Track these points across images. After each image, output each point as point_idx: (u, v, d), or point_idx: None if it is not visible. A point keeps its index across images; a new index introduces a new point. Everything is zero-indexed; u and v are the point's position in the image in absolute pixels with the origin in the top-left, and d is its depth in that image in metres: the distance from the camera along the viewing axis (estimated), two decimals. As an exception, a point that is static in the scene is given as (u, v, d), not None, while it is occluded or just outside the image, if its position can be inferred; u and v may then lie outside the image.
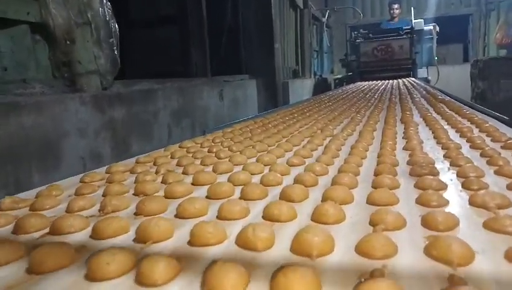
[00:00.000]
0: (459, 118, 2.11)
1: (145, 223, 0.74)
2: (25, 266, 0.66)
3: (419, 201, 0.87)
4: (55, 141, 1.90)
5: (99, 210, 0.94)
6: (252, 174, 1.17)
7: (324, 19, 10.19)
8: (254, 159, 1.37)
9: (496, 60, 6.09)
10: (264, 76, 5.33)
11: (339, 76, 10.20)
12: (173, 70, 4.62)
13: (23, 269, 0.66)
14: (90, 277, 0.61)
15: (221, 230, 0.73)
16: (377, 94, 4.01)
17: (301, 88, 7.29)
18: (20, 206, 1.00)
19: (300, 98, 6.05)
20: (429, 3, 11.02)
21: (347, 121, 2.25)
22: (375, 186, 0.99)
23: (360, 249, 0.65)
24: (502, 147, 1.38)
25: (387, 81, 6.94)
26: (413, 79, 7.25)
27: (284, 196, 0.93)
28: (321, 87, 8.84)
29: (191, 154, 1.53)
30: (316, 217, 0.80)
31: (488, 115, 2.27)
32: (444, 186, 0.96)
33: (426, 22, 9.08)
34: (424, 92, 3.83)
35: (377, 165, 1.19)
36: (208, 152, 1.56)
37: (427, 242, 0.66)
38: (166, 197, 1.01)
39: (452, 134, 1.69)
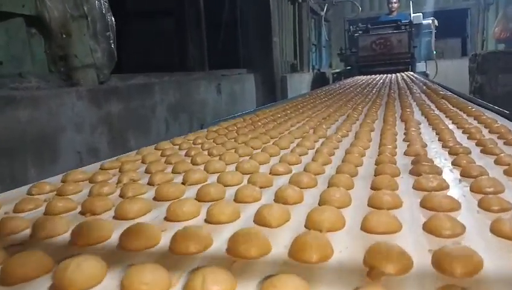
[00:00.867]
0: (465, 116, 1.91)
1: (66, 264, 0.55)
2: None
3: (428, 228, 0.67)
4: (52, 136, 1.88)
5: (31, 236, 0.75)
6: (226, 185, 0.98)
7: (322, 13, 10.11)
8: (234, 166, 1.17)
9: (495, 54, 6.07)
10: (262, 70, 5.30)
11: (337, 70, 10.15)
12: (170, 63, 4.59)
13: None
14: None
15: (164, 277, 0.54)
16: (375, 89, 3.84)
17: (299, 82, 7.26)
18: None
19: (299, 93, 6.02)
20: (428, -3, 10.99)
21: (342, 119, 2.06)
22: (372, 205, 0.80)
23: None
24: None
25: (385, 75, 6.92)
26: (411, 73, 7.20)
27: (259, 219, 0.74)
28: (319, 81, 8.78)
29: (164, 159, 1.34)
30: (296, 252, 0.60)
31: (492, 110, 2.13)
32: (456, 206, 0.78)
33: (425, 16, 9.04)
34: (424, 86, 3.65)
35: (375, 175, 1.01)
36: (185, 155, 1.39)
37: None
38: (116, 217, 0.82)
39: (459, 135, 1.49)
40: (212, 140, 1.64)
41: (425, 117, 1.95)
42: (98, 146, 2.18)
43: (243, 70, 5.15)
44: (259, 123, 2.04)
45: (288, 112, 2.46)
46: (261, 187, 0.95)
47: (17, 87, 1.80)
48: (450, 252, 0.55)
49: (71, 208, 0.89)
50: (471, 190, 0.87)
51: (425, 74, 7.81)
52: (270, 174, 1.09)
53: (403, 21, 8.30)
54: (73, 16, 2.10)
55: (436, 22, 8.96)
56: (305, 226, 0.72)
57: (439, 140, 1.42)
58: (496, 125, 1.57)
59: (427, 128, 1.72)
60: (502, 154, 1.11)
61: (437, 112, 2.11)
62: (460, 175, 0.99)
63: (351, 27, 8.84)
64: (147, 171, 1.20)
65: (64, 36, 2.07)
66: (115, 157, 1.41)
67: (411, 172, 1.03)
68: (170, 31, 4.79)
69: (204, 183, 1.00)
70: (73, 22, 2.10)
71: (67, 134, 1.95)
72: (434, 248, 0.59)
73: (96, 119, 2.16)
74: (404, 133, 1.55)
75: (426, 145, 1.34)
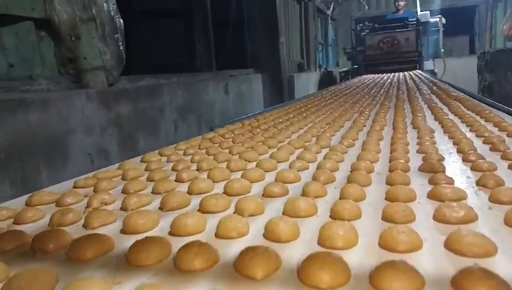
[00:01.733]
0: (483, 122, 1.71)
1: None
2: None
3: (457, 286, 0.50)
4: (62, 138, 1.88)
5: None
6: (208, 212, 0.82)
7: (329, 12, 10.02)
8: (223, 185, 1.00)
9: (504, 52, 5.97)
10: (269, 70, 5.27)
11: (345, 69, 10.08)
12: (178, 64, 4.60)
13: None
14: None
15: None
16: (382, 89, 3.67)
17: (307, 82, 7.21)
18: None
19: (306, 92, 5.99)
20: (435, -5, 10.90)
21: (348, 125, 1.89)
22: (385, 246, 0.63)
23: None
24: None
25: (393, 74, 6.87)
26: (419, 72, 7.12)
27: (242, 269, 0.57)
28: (326, 80, 8.71)
29: (146, 175, 1.18)
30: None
31: (489, 104, 2.02)
32: (491, 250, 0.60)
33: (432, 14, 8.95)
34: (434, 87, 3.45)
35: (386, 198, 0.85)
36: (172, 170, 1.23)
37: None
38: (70, 258, 0.65)
39: (479, 145, 1.31)
40: (205, 150, 1.48)
41: (439, 123, 1.76)
42: (108, 147, 2.18)
43: (250, 70, 5.13)
44: (259, 129, 1.88)
45: (291, 115, 2.29)
46: (250, 215, 0.79)
47: (27, 90, 1.81)
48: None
49: (21, 243, 0.72)
50: (506, 222, 0.69)
51: (433, 72, 7.71)
52: (263, 196, 0.92)
53: (410, 19, 8.25)
54: (82, 19, 2.10)
55: (443, 19, 8.87)
56: (300, 279, 0.56)
57: (458, 152, 1.24)
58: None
59: (442, 136, 1.52)
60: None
61: (451, 116, 1.92)
62: (490, 200, 0.81)
63: (358, 26, 8.79)
64: (124, 191, 1.04)
65: (73, 39, 2.07)
66: (92, 173, 1.24)
67: (430, 196, 0.86)
68: (178, 32, 4.79)
69: (183, 212, 0.82)
70: (82, 24, 2.10)
71: (77, 136, 1.95)
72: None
73: (105, 121, 2.16)
74: (418, 143, 1.37)
75: (443, 158, 1.16)
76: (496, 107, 2.12)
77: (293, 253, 0.63)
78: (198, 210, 0.86)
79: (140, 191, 1.04)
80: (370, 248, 0.65)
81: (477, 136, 1.47)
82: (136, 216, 0.77)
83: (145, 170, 1.27)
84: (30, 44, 1.92)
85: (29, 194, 1.02)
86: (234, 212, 0.82)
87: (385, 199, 0.86)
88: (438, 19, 8.70)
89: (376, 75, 7.01)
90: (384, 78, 5.73)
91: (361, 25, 8.57)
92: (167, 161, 1.40)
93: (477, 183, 0.92)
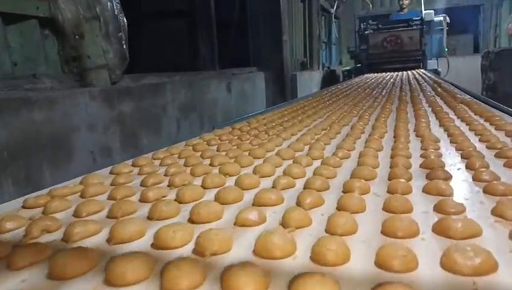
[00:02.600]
0: (493, 130, 1.56)
1: None
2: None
3: None
4: (66, 136, 1.90)
5: None
6: (164, 248, 0.67)
7: (333, 10, 9.99)
8: (190, 209, 0.82)
9: (508, 51, 5.96)
10: (272, 68, 5.28)
11: (348, 68, 10.05)
12: (181, 62, 4.61)
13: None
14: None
15: None
16: (384, 90, 3.58)
17: (309, 80, 7.21)
18: None
19: (309, 91, 5.99)
20: (439, -6, 10.86)
21: (346, 131, 1.72)
22: None
23: None
24: None
25: (396, 73, 6.85)
26: (423, 71, 7.10)
27: None
28: (329, 79, 8.69)
29: (110, 189, 1.02)
30: None
31: (498, 108, 1.96)
32: None
33: (436, 13, 8.92)
34: (438, 88, 3.34)
35: (383, 232, 0.69)
36: (141, 185, 1.07)
37: None
38: None
39: (491, 159, 1.14)
40: (184, 160, 1.34)
41: (444, 130, 1.61)
42: (111, 146, 2.19)
43: (253, 68, 5.14)
44: (248, 136, 1.73)
45: (286, 119, 2.15)
46: (212, 255, 0.63)
47: (31, 88, 1.83)
48: None
49: None
50: None
51: (436, 72, 7.70)
52: (235, 225, 0.76)
53: (414, 18, 8.22)
54: (86, 18, 2.11)
55: (447, 18, 8.84)
56: None
57: (467, 168, 1.07)
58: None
59: (448, 147, 1.35)
60: None
61: (457, 122, 1.80)
62: (510, 237, 0.65)
63: (362, 25, 8.78)
64: (76, 213, 0.88)
65: (77, 37, 2.09)
66: (48, 189, 1.08)
67: (436, 230, 0.69)
68: (181, 31, 4.81)
69: (134, 249, 0.67)
70: (86, 23, 2.11)
71: (80, 134, 1.97)
72: None
73: (109, 119, 2.18)
74: (421, 156, 1.22)
75: (451, 176, 0.99)
76: (503, 110, 2.00)
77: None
78: (153, 245, 0.69)
79: (95, 213, 0.87)
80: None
81: (487, 147, 1.30)
82: (67, 258, 0.60)
83: (110, 184, 1.10)
84: (34, 43, 1.93)
85: None
86: (193, 251, 0.65)
87: (381, 232, 0.69)
88: (442, 18, 8.66)
89: (379, 74, 7.00)
90: (387, 78, 5.69)
91: (364, 23, 8.54)
92: (139, 174, 1.21)
93: (493, 212, 0.75)
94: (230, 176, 1.11)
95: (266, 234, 0.64)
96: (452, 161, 1.16)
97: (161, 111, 2.77)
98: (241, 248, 0.66)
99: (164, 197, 0.96)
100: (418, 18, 8.11)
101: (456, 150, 1.29)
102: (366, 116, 2.04)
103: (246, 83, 4.63)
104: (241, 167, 1.19)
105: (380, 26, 8.19)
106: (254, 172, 1.10)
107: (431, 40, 8.37)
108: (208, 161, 1.31)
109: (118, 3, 2.26)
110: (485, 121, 1.77)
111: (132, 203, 0.89)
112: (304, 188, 0.95)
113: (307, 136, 1.58)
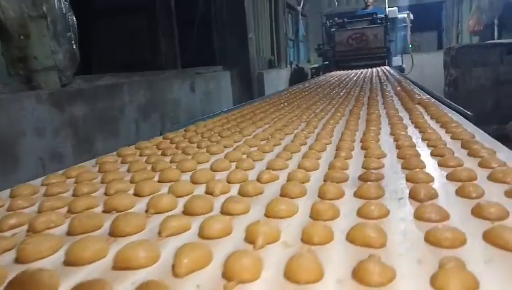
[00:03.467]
0: (449, 139, 1.35)
1: None
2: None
3: None
4: (11, 142, 1.82)
5: None
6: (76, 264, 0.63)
7: (299, 8, 10.05)
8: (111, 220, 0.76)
9: (468, 48, 6.14)
10: (238, 67, 5.25)
11: (316, 65, 10.16)
12: (142, 61, 4.51)
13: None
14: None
15: None
16: (344, 90, 3.54)
17: (277, 78, 7.21)
18: None
19: (276, 89, 5.98)
20: (403, -9, 11.09)
21: (286, 142, 1.47)
22: None
23: None
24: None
25: (360, 71, 6.93)
26: (387, 68, 7.26)
27: None
28: (298, 76, 8.74)
29: (37, 204, 0.93)
30: None
31: (456, 110, 1.94)
32: None
33: (400, 10, 9.12)
34: (398, 87, 3.28)
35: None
36: (74, 195, 1.00)
37: None
38: None
39: (442, 183, 0.91)
40: (128, 165, 1.24)
41: (394, 140, 1.38)
42: (62, 151, 2.11)
43: (219, 67, 5.09)
44: (183, 144, 1.53)
45: (230, 125, 1.93)
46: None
47: (-27, 92, 1.73)
48: None
49: None
50: None
51: (401, 68, 7.87)
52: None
53: (378, 15, 8.37)
54: (32, 16, 2.02)
55: (411, 15, 9.05)
56: None
57: (410, 197, 0.82)
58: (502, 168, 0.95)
59: (394, 164, 1.10)
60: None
61: (411, 128, 1.60)
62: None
63: (328, 22, 8.86)
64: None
65: (22, 37, 1.99)
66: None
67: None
68: (141, 29, 4.70)
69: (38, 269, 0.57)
70: (32, 22, 2.02)
71: (28, 140, 1.89)
72: None
73: (59, 124, 2.09)
74: (359, 178, 0.97)
75: (388, 212, 0.75)
76: (460, 113, 1.91)
77: None
78: (67, 262, 0.64)
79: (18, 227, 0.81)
80: None
81: (440, 165, 1.05)
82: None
83: (45, 194, 1.03)
84: (-25, 44, 1.83)
85: None
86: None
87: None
88: (405, 15, 8.85)
89: (344, 72, 7.08)
90: (351, 76, 5.74)
91: (331, 21, 8.63)
92: (75, 182, 1.11)
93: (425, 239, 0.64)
94: (165, 182, 1.04)
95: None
96: (394, 187, 0.90)
97: (118, 113, 2.69)
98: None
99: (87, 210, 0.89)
100: (382, 15, 8.25)
101: (402, 168, 1.05)
102: (315, 122, 1.83)
103: (211, 82, 4.58)
104: (175, 177, 1.08)
105: (345, 20, 8.27)
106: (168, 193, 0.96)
107: (395, 37, 8.53)
108: (150, 167, 1.21)
109: (66, 1, 2.17)
110: (441, 127, 1.58)
111: (60, 215, 0.84)
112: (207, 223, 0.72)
113: (241, 149, 1.36)
